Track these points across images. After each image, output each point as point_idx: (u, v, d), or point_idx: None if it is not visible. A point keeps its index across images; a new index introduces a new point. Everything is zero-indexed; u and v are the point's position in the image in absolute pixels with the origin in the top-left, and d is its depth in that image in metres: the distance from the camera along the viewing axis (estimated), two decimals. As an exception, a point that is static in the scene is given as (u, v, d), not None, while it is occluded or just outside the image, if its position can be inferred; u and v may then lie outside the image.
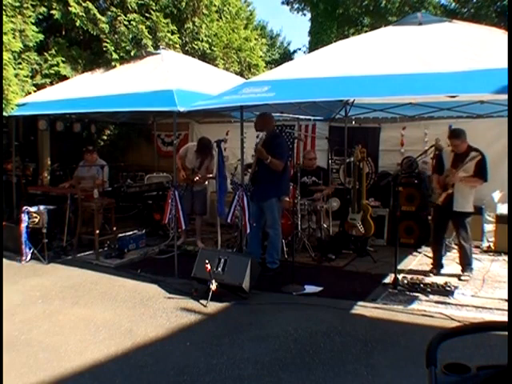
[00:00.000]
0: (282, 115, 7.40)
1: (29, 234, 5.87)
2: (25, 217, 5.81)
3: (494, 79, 3.73)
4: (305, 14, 19.87)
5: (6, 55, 6.11)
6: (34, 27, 6.93)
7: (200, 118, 8.32)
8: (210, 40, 9.17)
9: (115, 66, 7.42)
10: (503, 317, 4.01)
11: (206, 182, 6.90)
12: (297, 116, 7.54)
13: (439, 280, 4.98)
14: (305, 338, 3.74)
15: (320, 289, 4.87)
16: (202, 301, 4.51)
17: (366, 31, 14.72)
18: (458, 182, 4.94)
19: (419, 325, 3.95)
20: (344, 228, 6.45)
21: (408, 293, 4.68)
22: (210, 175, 6.68)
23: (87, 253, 6.31)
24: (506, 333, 1.12)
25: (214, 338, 3.76)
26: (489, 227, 6.64)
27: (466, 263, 5.17)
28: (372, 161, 7.67)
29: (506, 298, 4.45)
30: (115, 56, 7.41)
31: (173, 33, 8.02)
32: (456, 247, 5.72)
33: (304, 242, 6.34)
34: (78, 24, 7.35)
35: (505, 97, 3.91)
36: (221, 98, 5.12)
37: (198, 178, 6.60)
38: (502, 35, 4.66)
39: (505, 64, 3.63)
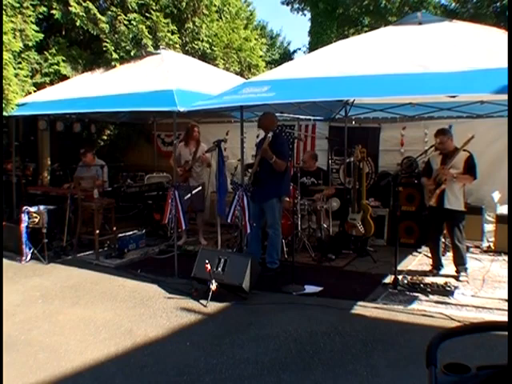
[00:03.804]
0: (282, 115, 7.40)
1: (29, 234, 5.87)
2: (25, 217, 5.81)
3: (494, 79, 3.73)
4: (305, 14, 19.90)
5: (6, 55, 6.11)
6: (34, 26, 6.93)
7: (200, 118, 8.32)
8: (210, 40, 9.17)
9: (115, 66, 7.42)
10: (503, 317, 4.01)
11: (204, 177, 6.93)
12: (297, 116, 7.54)
13: (439, 280, 4.98)
14: (305, 338, 3.75)
15: (320, 289, 4.87)
16: (202, 301, 4.51)
17: (366, 31, 14.71)
18: (450, 178, 4.95)
19: (419, 325, 3.95)
20: (344, 228, 6.45)
21: (408, 293, 4.68)
22: (207, 159, 6.71)
23: (87, 253, 6.31)
24: (506, 333, 1.12)
25: (214, 338, 3.76)
26: (489, 227, 6.65)
27: (460, 263, 5.17)
28: (372, 161, 7.67)
29: (506, 298, 4.45)
30: (115, 56, 7.41)
31: (173, 33, 8.02)
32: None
33: (304, 242, 6.34)
34: (78, 24, 7.35)
35: (505, 97, 3.91)
36: (221, 98, 5.12)
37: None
38: (501, 35, 4.66)
39: (505, 64, 3.63)
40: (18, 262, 5.85)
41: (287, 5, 20.03)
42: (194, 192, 6.66)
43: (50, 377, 3.16)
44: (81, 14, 7.27)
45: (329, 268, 5.79)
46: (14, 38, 6.47)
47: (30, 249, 5.90)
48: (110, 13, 7.67)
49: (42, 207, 5.94)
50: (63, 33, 8.03)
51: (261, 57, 11.12)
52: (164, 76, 6.20)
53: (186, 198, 6.40)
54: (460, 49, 4.48)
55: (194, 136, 6.83)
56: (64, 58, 7.47)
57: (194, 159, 6.73)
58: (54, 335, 3.83)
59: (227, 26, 10.17)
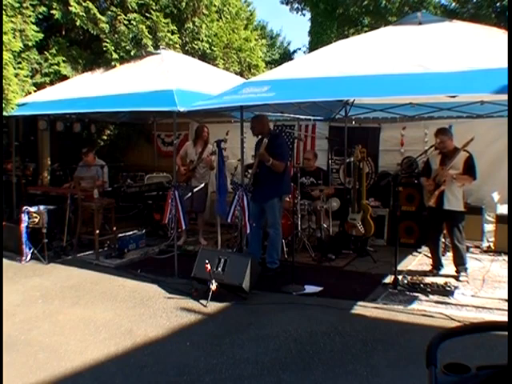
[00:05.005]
0: (282, 115, 7.40)
1: (29, 234, 5.87)
2: (25, 217, 5.81)
3: (494, 79, 3.73)
4: (304, 14, 19.89)
5: (6, 55, 6.11)
6: (34, 26, 6.92)
7: (200, 118, 8.33)
8: (210, 40, 9.17)
9: (115, 66, 7.42)
10: (503, 317, 4.01)
11: (207, 178, 6.93)
12: (297, 116, 7.54)
13: (439, 280, 4.99)
14: (305, 338, 3.75)
15: (320, 289, 4.87)
16: (202, 301, 4.51)
17: (365, 31, 14.70)
18: (449, 179, 4.95)
19: (419, 325, 3.95)
20: (344, 228, 6.45)
21: (408, 293, 4.68)
22: (211, 161, 6.68)
23: (87, 253, 6.31)
24: (506, 333, 1.12)
25: (214, 338, 3.76)
26: (489, 227, 6.64)
27: (460, 263, 5.17)
28: (372, 161, 7.67)
29: (506, 298, 4.45)
30: (115, 56, 7.41)
31: (173, 33, 8.02)
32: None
33: (304, 242, 6.34)
34: (78, 24, 7.35)
35: (505, 97, 3.91)
36: (221, 98, 5.12)
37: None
38: (502, 35, 4.66)
39: (505, 64, 3.63)
40: (18, 262, 5.85)
41: (286, 4, 20.02)
42: (195, 191, 6.66)
43: (50, 377, 3.16)
44: (81, 13, 7.27)
45: (329, 268, 5.79)
46: (14, 38, 6.47)
47: (30, 249, 5.89)
48: (109, 13, 7.66)
49: (42, 207, 5.94)
50: (63, 33, 8.03)
51: (260, 57, 11.11)
52: (164, 76, 6.20)
53: (186, 197, 6.41)
54: (460, 49, 4.48)
55: (203, 136, 6.84)
56: (64, 58, 7.47)
57: (199, 159, 6.74)
58: (54, 335, 3.83)
59: (227, 26, 10.17)
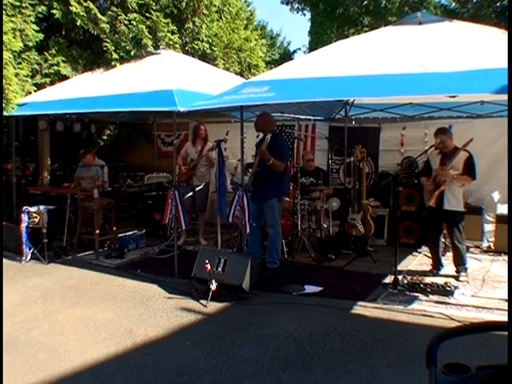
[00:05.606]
0: (282, 115, 7.40)
1: (29, 234, 5.87)
2: (25, 217, 5.81)
3: (494, 79, 3.73)
4: (304, 14, 19.89)
5: (6, 55, 6.11)
6: (34, 26, 6.92)
7: (200, 118, 8.33)
8: (210, 40, 9.18)
9: (115, 66, 7.42)
10: (503, 317, 4.01)
11: (208, 178, 6.93)
12: (297, 116, 7.54)
13: (439, 280, 4.99)
14: (305, 338, 3.75)
15: (320, 289, 4.87)
16: (202, 301, 4.51)
17: (365, 31, 14.69)
18: (449, 179, 4.95)
19: (419, 325, 3.95)
20: (344, 228, 6.45)
21: (408, 293, 4.68)
22: (212, 158, 6.66)
23: (87, 253, 6.31)
24: (506, 333, 1.12)
25: (214, 338, 3.76)
26: (489, 227, 6.64)
27: (460, 263, 5.17)
28: (372, 161, 7.67)
29: (506, 297, 4.45)
30: (115, 56, 7.41)
31: (173, 33, 8.02)
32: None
33: (304, 242, 6.34)
34: (78, 24, 7.35)
35: (505, 97, 3.91)
36: (221, 98, 5.12)
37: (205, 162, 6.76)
38: (502, 35, 4.66)
39: (505, 64, 3.63)
40: (18, 262, 5.85)
41: (287, 4, 20.02)
42: (196, 190, 6.66)
43: (50, 377, 3.16)
44: (81, 13, 7.27)
45: (329, 268, 5.79)
46: (14, 37, 6.47)
47: (30, 249, 5.89)
48: (110, 13, 7.67)
49: (42, 207, 5.94)
50: (63, 33, 8.03)
51: (260, 57, 11.12)
52: (164, 76, 6.20)
53: (186, 196, 6.40)
54: (460, 49, 4.48)
55: (201, 134, 6.84)
56: (64, 59, 7.47)
57: (199, 156, 6.74)
58: (54, 335, 3.83)
59: (227, 26, 10.17)
